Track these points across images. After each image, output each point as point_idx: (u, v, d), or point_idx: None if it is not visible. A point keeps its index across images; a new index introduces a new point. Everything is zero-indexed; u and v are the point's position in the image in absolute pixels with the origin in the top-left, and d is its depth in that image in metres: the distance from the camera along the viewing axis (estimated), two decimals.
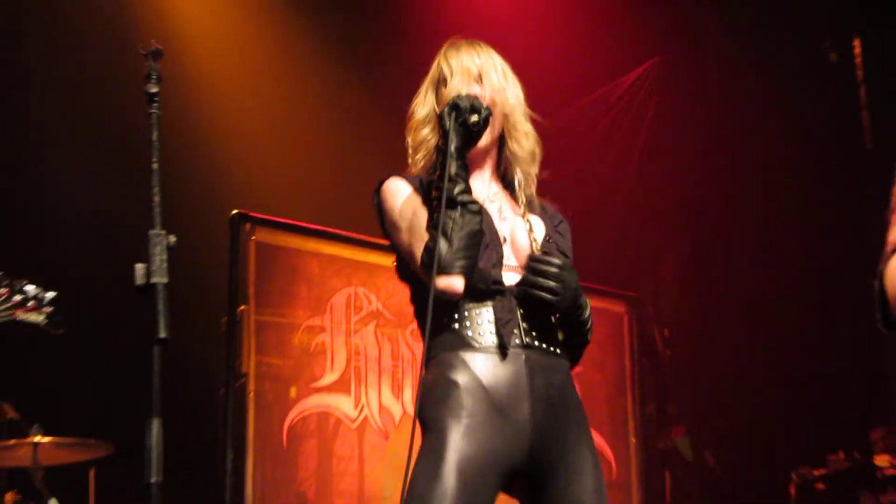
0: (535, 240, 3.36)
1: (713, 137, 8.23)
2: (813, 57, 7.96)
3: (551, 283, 3.19)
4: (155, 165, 3.28)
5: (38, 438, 5.47)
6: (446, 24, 7.97)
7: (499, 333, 3.20)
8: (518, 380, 3.19)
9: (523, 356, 3.21)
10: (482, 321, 3.22)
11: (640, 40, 8.52)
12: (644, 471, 7.19)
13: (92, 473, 6.76)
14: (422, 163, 3.41)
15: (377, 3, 8.60)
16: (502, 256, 3.30)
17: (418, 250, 3.19)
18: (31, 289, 4.12)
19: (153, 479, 3.13)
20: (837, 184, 7.66)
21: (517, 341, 3.22)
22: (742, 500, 7.70)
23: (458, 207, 3.13)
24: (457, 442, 3.09)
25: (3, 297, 4.03)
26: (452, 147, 3.18)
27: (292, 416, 5.95)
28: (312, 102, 8.47)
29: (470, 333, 3.21)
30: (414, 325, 3.41)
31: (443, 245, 3.11)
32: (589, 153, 8.29)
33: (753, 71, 8.11)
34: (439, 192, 3.15)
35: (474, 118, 3.20)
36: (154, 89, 3.30)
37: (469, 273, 3.16)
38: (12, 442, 5.55)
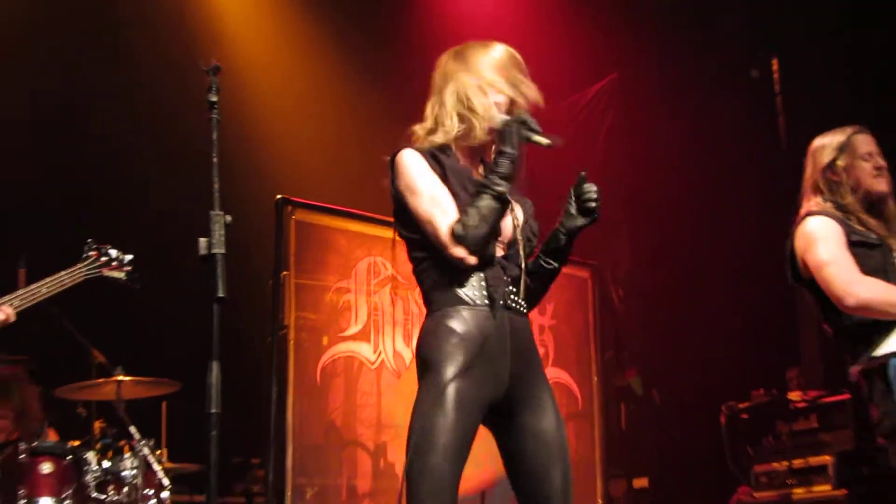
0: (517, 224, 3.37)
1: (659, 140, 8.21)
2: (739, 73, 7.94)
3: (594, 204, 3.37)
4: (214, 159, 3.28)
5: (120, 377, 5.46)
6: (437, 39, 7.96)
7: (490, 296, 3.19)
8: (503, 334, 3.19)
9: (507, 316, 3.21)
10: (476, 284, 3.21)
11: (600, 59, 8.50)
12: (604, 404, 7.18)
13: (164, 406, 6.77)
14: (458, 129, 3.30)
15: (392, 24, 8.56)
16: (498, 235, 3.29)
17: (441, 220, 3.16)
18: (113, 252, 4.12)
19: (213, 410, 3.14)
20: (761, 175, 7.66)
21: (501, 303, 3.21)
22: (682, 426, 7.72)
23: (500, 202, 3.15)
24: (456, 380, 3.07)
25: (93, 258, 4.03)
26: (514, 152, 3.18)
27: (324, 359, 5.95)
28: (340, 108, 8.49)
29: (467, 293, 3.19)
30: None
31: (481, 226, 3.13)
32: (557, 151, 8.24)
33: (692, 85, 8.09)
34: (491, 186, 3.15)
35: (544, 141, 3.20)
36: (214, 98, 3.29)
37: (483, 253, 3.18)
38: (100, 380, 5.55)
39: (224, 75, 3.35)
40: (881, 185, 4.08)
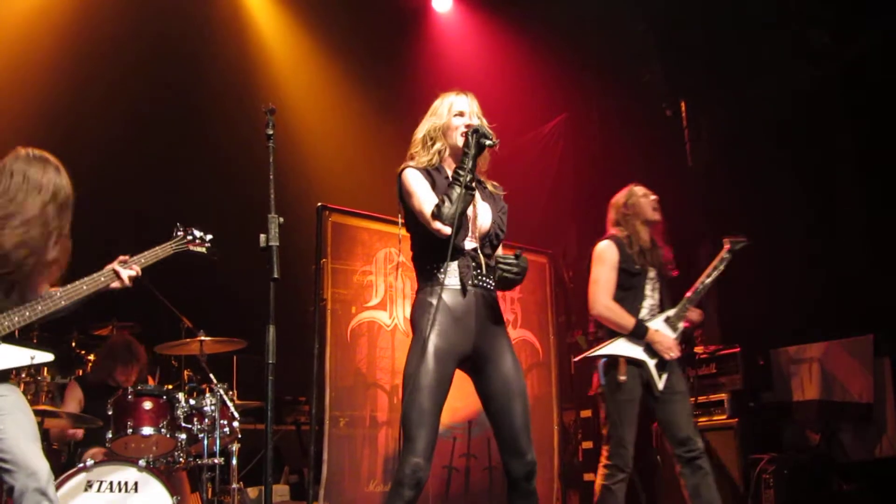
0: (494, 220, 3.42)
1: (599, 160, 8.17)
2: (656, 112, 7.93)
3: (515, 273, 3.28)
4: (271, 176, 3.27)
5: (202, 337, 5.46)
6: (436, 81, 7.93)
7: (461, 280, 3.27)
8: (469, 304, 3.27)
9: (473, 292, 3.28)
10: (451, 271, 3.28)
11: (555, 102, 8.47)
12: (558, 355, 7.18)
13: (234, 358, 6.77)
14: (426, 155, 3.46)
15: (400, 73, 8.52)
16: (469, 232, 3.35)
17: (428, 208, 3.25)
18: (198, 232, 4.09)
19: (270, 361, 3.14)
20: (671, 186, 7.64)
21: (470, 283, 3.29)
22: None
23: (464, 190, 3.21)
24: (432, 339, 3.18)
25: (182, 237, 4.01)
26: (472, 153, 3.25)
27: (353, 323, 5.94)
28: (365, 137, 8.46)
29: (443, 278, 3.27)
30: None
31: (450, 207, 3.19)
32: (523, 170, 8.23)
33: (623, 120, 8.08)
34: (458, 177, 3.22)
35: (489, 142, 3.28)
36: (271, 132, 3.30)
37: (453, 226, 3.20)
38: (188, 340, 5.55)
39: (278, 113, 3.36)
40: (656, 215, 4.75)
